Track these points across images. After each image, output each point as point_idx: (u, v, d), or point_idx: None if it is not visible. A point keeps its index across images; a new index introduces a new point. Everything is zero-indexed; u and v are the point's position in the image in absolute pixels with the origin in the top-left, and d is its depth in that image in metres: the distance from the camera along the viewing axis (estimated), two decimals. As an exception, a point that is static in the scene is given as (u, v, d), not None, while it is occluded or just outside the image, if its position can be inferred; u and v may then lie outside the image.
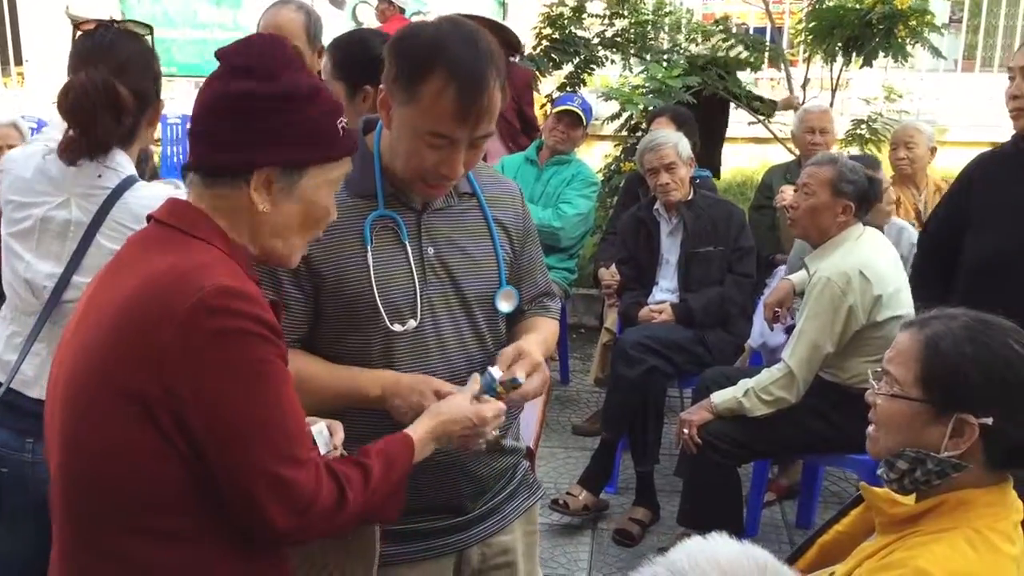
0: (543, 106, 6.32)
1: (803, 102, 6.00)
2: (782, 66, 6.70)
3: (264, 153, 1.39)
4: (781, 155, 6.10)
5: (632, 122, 6.29)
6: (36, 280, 2.06)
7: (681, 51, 6.62)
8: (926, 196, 4.62)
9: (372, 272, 1.76)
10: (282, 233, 1.45)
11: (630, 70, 6.53)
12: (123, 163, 2.09)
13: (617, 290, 4.48)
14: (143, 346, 1.30)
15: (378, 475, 1.48)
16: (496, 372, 1.74)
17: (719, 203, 4.34)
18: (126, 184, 2.07)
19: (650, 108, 5.67)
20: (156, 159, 6.13)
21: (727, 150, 7.88)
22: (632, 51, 6.42)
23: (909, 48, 5.83)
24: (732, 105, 6.18)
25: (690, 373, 3.97)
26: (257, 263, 1.51)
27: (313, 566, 1.63)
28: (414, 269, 1.79)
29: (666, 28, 6.91)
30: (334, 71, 2.55)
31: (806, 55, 6.38)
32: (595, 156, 6.77)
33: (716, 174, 6.16)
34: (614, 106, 6.30)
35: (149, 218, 1.48)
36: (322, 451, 1.51)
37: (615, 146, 6.64)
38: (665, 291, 4.27)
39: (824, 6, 5.93)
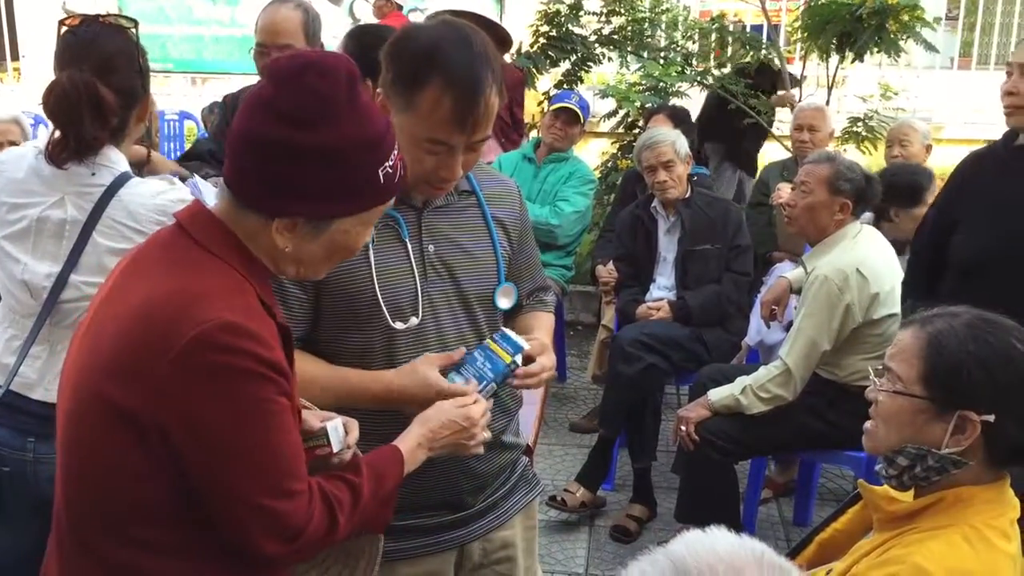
0: (540, 103, 6.32)
1: (799, 100, 6.01)
2: (779, 64, 6.70)
3: (290, 204, 1.33)
4: (778, 152, 6.11)
5: (629, 119, 6.29)
6: (34, 281, 2.05)
7: (678, 48, 6.63)
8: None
9: (374, 270, 1.77)
10: (303, 263, 1.43)
11: (627, 67, 6.53)
12: (117, 160, 2.08)
13: (614, 287, 4.49)
14: (140, 373, 1.28)
15: (368, 494, 1.48)
16: (519, 362, 1.80)
17: (716, 201, 4.35)
18: (121, 181, 2.06)
19: (647, 105, 5.68)
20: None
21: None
22: (629, 48, 6.42)
23: (902, 43, 5.84)
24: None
25: (687, 370, 3.98)
26: (287, 278, 1.52)
27: (315, 565, 1.63)
28: (415, 267, 1.80)
29: (663, 26, 6.91)
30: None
31: (802, 53, 6.38)
32: (592, 153, 6.78)
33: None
34: (611, 103, 6.32)
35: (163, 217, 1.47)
36: (335, 448, 1.52)
37: (612, 143, 6.65)
38: (662, 288, 4.28)
39: (818, 3, 5.94)
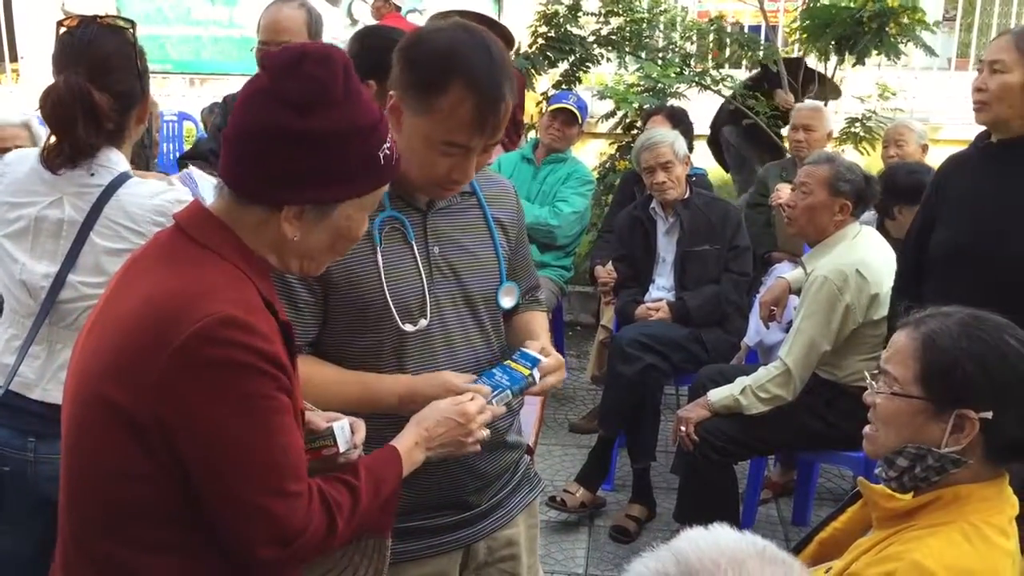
0: (538, 104, 6.33)
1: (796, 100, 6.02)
2: (777, 64, 6.71)
3: (299, 191, 1.35)
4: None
5: (627, 120, 6.30)
6: (32, 281, 2.05)
7: (676, 49, 6.64)
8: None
9: (383, 273, 1.77)
10: (307, 255, 1.43)
11: (625, 68, 6.54)
12: (116, 160, 2.08)
13: (613, 288, 4.49)
14: (139, 370, 1.28)
15: (367, 496, 1.47)
16: (538, 375, 1.81)
17: (715, 201, 4.35)
18: (119, 181, 2.06)
19: (645, 106, 5.69)
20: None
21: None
22: (627, 49, 6.43)
23: (901, 46, 5.85)
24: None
25: (686, 371, 3.99)
26: (290, 274, 1.51)
27: (326, 565, 1.64)
28: (421, 269, 1.81)
29: (661, 26, 6.92)
30: (357, 60, 2.57)
31: (800, 54, 6.39)
32: (590, 154, 6.78)
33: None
34: (609, 104, 6.32)
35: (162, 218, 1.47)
36: (342, 448, 1.52)
37: (610, 144, 6.65)
38: (661, 289, 4.28)
39: (817, 4, 5.95)
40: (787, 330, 3.71)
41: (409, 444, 1.61)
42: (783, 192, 4.43)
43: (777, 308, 3.78)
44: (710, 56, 6.85)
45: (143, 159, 2.78)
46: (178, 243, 1.39)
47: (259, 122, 1.33)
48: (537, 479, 2.14)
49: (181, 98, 9.06)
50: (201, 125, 7.32)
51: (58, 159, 2.02)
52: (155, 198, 2.06)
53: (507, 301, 1.94)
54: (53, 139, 2.03)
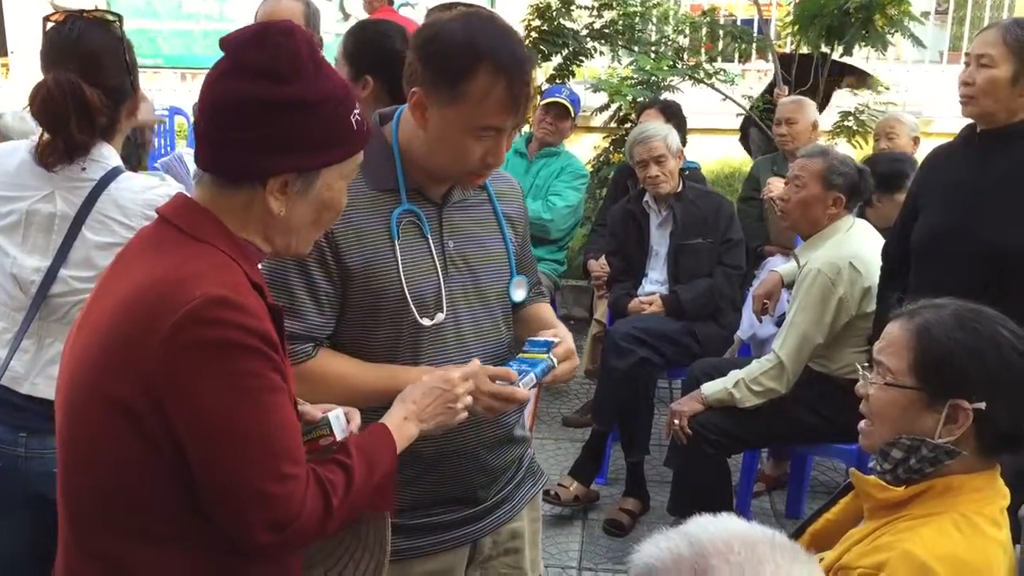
0: (532, 98, 6.32)
1: (788, 94, 6.02)
2: (770, 57, 6.72)
3: (282, 160, 1.35)
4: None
5: (621, 114, 6.30)
6: (23, 275, 2.04)
7: (669, 43, 6.64)
8: (911, 187, 4.65)
9: (401, 266, 1.78)
10: (295, 231, 1.43)
11: (619, 61, 6.54)
12: (108, 155, 2.07)
13: (606, 282, 4.49)
14: (131, 358, 1.28)
15: (361, 473, 1.45)
16: (555, 360, 1.83)
17: (708, 195, 4.35)
18: (111, 176, 2.05)
19: (639, 99, 5.69)
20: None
21: (714, 141, 7.91)
22: (620, 43, 6.43)
23: (890, 38, 5.86)
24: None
25: (680, 364, 3.99)
26: (274, 258, 1.51)
27: (330, 557, 1.63)
28: (437, 263, 1.82)
29: (654, 19, 6.92)
30: (344, 55, 2.57)
31: (793, 46, 6.40)
32: (584, 148, 6.78)
33: None
34: (603, 98, 6.32)
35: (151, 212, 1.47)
36: (338, 437, 1.52)
37: (604, 138, 6.65)
38: (654, 283, 4.28)
39: (809, -4, 5.96)
40: (779, 323, 3.72)
41: (398, 420, 1.60)
42: (774, 185, 4.43)
43: (770, 301, 3.79)
44: (703, 49, 6.85)
45: (135, 158, 2.76)
46: (163, 233, 1.39)
47: (233, 97, 1.34)
48: (540, 472, 2.15)
49: (172, 93, 9.03)
50: (192, 120, 7.29)
51: (52, 156, 2.02)
52: (147, 192, 2.05)
53: (518, 294, 1.96)
54: (46, 136, 2.02)
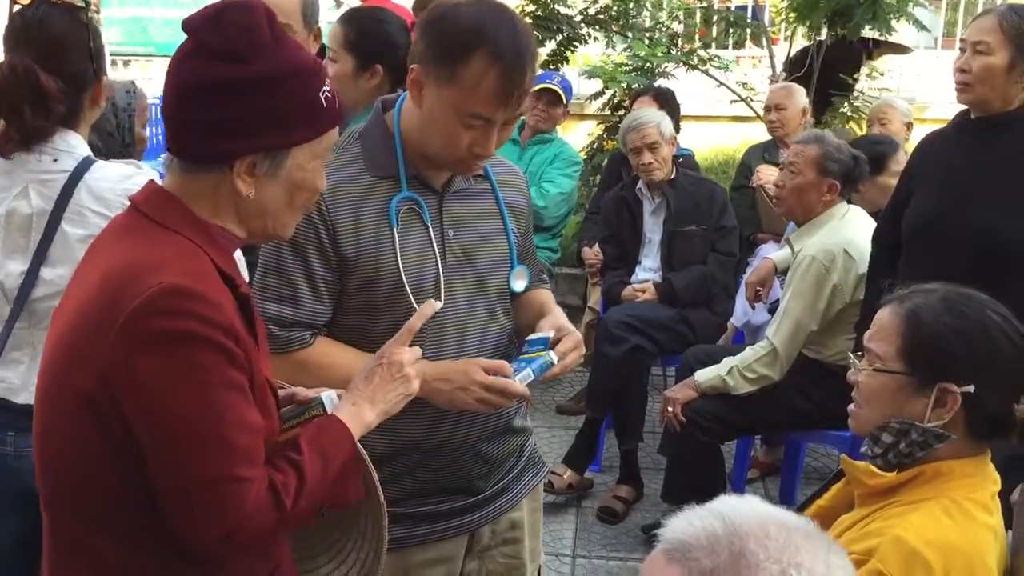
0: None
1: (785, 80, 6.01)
2: (764, 43, 6.70)
3: (246, 141, 1.32)
4: (763, 133, 6.11)
5: (615, 100, 6.28)
6: (7, 282, 1.99)
7: (663, 29, 6.61)
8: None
9: (399, 253, 1.77)
10: (269, 213, 1.40)
11: (613, 48, 6.51)
12: (76, 144, 2.03)
13: (600, 269, 4.49)
14: (92, 348, 1.26)
15: (313, 469, 1.39)
16: (553, 356, 1.80)
17: (701, 182, 4.34)
18: (84, 166, 2.00)
19: (634, 86, 5.67)
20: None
21: (708, 128, 7.90)
22: (615, 28, 6.40)
23: (893, 22, 5.85)
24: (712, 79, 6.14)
25: (673, 352, 3.99)
26: (256, 243, 1.48)
27: (332, 548, 1.63)
28: (436, 252, 1.81)
29: (648, 6, 6.89)
30: (346, 44, 2.53)
31: (788, 33, 6.38)
32: (578, 135, 6.76)
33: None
34: (597, 84, 6.29)
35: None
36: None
37: (598, 125, 6.63)
38: (648, 270, 4.28)
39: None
40: (773, 311, 3.72)
41: (348, 408, 1.51)
42: (763, 173, 4.43)
43: (763, 288, 3.78)
44: (697, 35, 6.83)
45: (125, 155, 2.73)
46: (131, 221, 1.37)
47: (194, 80, 1.32)
48: (541, 462, 2.14)
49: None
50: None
51: (9, 144, 1.97)
52: (125, 181, 2.01)
53: (519, 285, 1.95)
54: (1, 124, 1.97)
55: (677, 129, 4.44)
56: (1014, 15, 2.64)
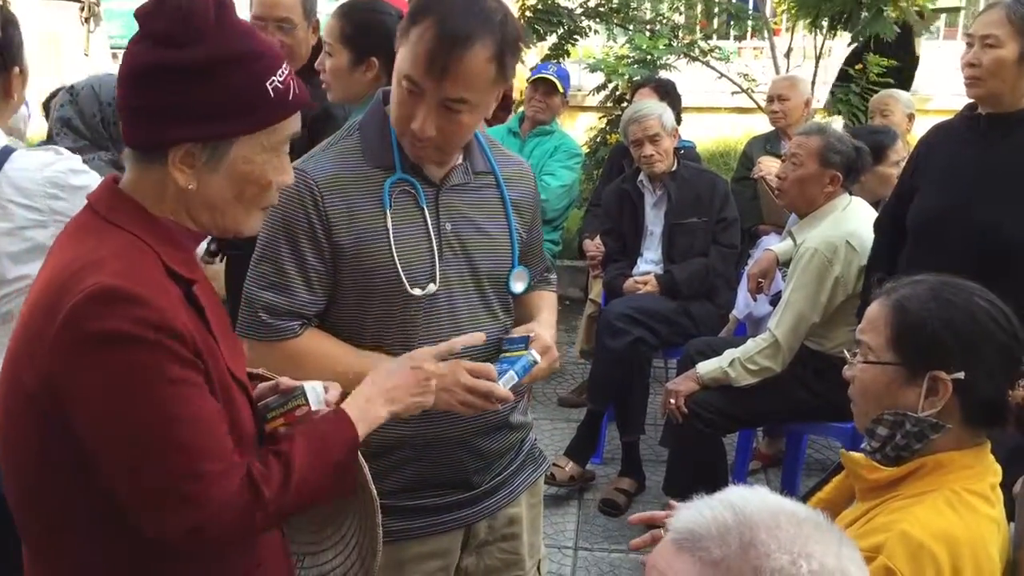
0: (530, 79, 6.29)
1: (787, 71, 6.00)
2: (765, 35, 6.68)
3: (176, 129, 1.28)
4: (765, 125, 6.10)
5: (617, 93, 6.27)
6: None
7: (664, 21, 6.59)
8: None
9: (392, 236, 1.76)
10: (217, 208, 1.35)
11: (614, 40, 6.50)
12: None
13: (602, 261, 4.48)
14: (36, 350, 1.24)
15: (304, 458, 1.35)
16: (535, 354, 1.80)
17: (703, 174, 4.33)
18: (2, 156, 1.97)
19: (636, 78, 5.65)
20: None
21: (710, 120, 7.88)
22: (615, 21, 6.38)
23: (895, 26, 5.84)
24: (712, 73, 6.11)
25: (675, 344, 3.99)
26: (219, 236, 1.44)
27: (337, 531, 1.63)
28: (433, 241, 1.79)
29: (649, -3, 6.88)
30: (342, 38, 2.52)
31: (789, 24, 6.36)
32: (580, 127, 6.75)
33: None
34: (600, 77, 6.28)
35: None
36: (313, 406, 1.48)
37: (600, 118, 6.62)
38: (649, 262, 4.27)
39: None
40: (774, 302, 3.71)
41: (360, 402, 1.49)
42: (765, 164, 4.43)
43: (765, 280, 3.78)
44: (698, 27, 6.81)
45: (113, 149, 2.71)
46: (83, 220, 1.35)
47: (132, 65, 1.30)
48: (542, 458, 2.12)
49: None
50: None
51: None
52: (46, 169, 1.98)
53: (518, 286, 1.92)
54: None
55: (678, 121, 4.43)
56: (1020, 7, 2.63)
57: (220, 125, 1.30)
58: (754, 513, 0.93)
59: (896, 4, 5.65)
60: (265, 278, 1.78)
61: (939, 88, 7.78)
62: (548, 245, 4.88)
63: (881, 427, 1.61)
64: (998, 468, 1.61)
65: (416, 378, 1.58)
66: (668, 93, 4.77)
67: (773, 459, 4.17)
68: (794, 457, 3.91)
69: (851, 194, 3.46)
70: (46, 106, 4.88)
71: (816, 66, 6.13)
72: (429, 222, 1.80)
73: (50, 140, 3.41)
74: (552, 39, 6.36)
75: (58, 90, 4.41)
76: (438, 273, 1.79)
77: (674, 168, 4.18)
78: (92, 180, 1.98)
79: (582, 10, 6.37)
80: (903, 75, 5.96)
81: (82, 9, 8.60)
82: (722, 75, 6.28)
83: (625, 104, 5.87)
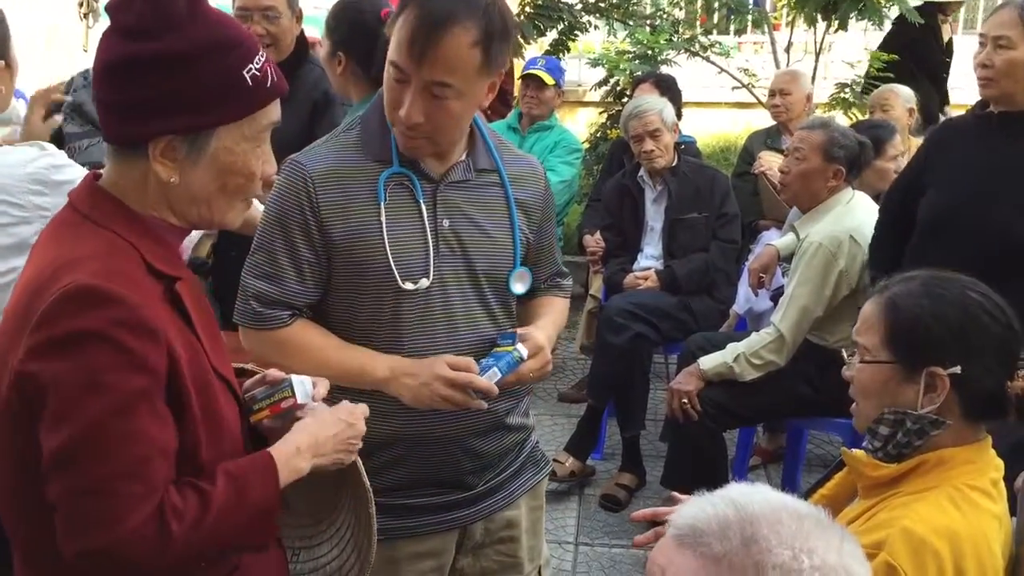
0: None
1: (788, 66, 5.99)
2: (765, 29, 6.67)
3: (158, 122, 1.26)
4: (765, 120, 6.10)
5: (618, 88, 6.25)
6: None
7: (664, 16, 6.58)
8: (907, 158, 4.64)
9: (384, 228, 1.75)
10: (201, 200, 1.34)
11: (614, 35, 6.49)
12: None
13: (602, 257, 4.48)
14: (12, 350, 1.23)
15: (223, 500, 1.29)
16: (523, 349, 1.77)
17: (703, 169, 4.33)
18: None
19: (637, 74, 5.64)
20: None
21: (710, 115, 7.87)
22: (616, 16, 6.37)
23: (886, 11, 5.82)
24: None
25: (675, 339, 3.99)
26: (197, 229, 1.43)
27: (332, 525, 1.63)
28: (428, 237, 1.78)
29: (649, -8, 6.86)
30: (326, 30, 2.54)
31: (789, 19, 6.35)
32: (581, 122, 6.74)
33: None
34: (601, 72, 6.26)
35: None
36: (300, 399, 1.48)
37: (600, 113, 6.61)
38: (650, 258, 4.27)
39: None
40: (775, 298, 3.71)
41: (290, 450, 1.41)
42: (765, 160, 4.42)
43: (766, 275, 3.78)
44: (698, 22, 6.79)
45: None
46: (64, 218, 1.34)
47: (106, 59, 1.28)
48: (544, 461, 2.10)
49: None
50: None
51: None
52: (28, 166, 1.97)
53: (519, 287, 1.89)
54: None
55: (679, 116, 4.43)
56: None
57: (200, 116, 1.28)
58: (756, 509, 0.93)
59: None
60: (258, 267, 1.79)
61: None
62: (549, 241, 4.88)
63: (883, 427, 1.60)
64: (1000, 463, 1.61)
65: (347, 435, 1.49)
66: (668, 88, 4.76)
67: (774, 455, 4.17)
68: (795, 453, 3.91)
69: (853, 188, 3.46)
70: None
71: (816, 61, 6.12)
72: (425, 217, 1.78)
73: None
74: (552, 34, 6.35)
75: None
76: (432, 269, 1.78)
77: (674, 163, 4.17)
78: (76, 175, 1.97)
79: (582, 5, 6.36)
80: (934, 67, 5.94)
81: (81, 4, 8.57)
82: (722, 70, 6.27)
83: (626, 99, 5.86)
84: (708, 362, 3.33)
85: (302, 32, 3.15)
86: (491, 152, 1.87)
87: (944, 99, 6.20)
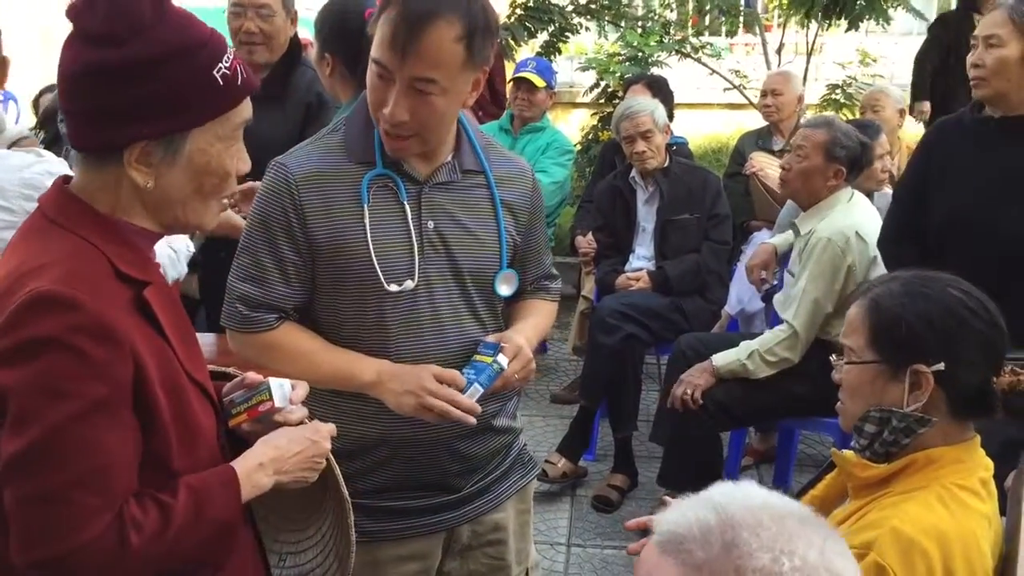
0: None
1: (779, 67, 6.00)
2: (757, 31, 6.69)
3: (131, 128, 1.25)
4: (757, 121, 6.11)
5: (609, 90, 6.27)
6: None
7: (655, 17, 6.59)
8: (898, 160, 4.65)
9: (368, 230, 1.74)
10: (177, 203, 1.33)
11: (605, 37, 6.50)
12: None
13: (594, 258, 4.48)
14: None
15: (185, 515, 1.27)
16: (503, 359, 1.76)
17: (695, 170, 4.33)
18: None
19: (627, 76, 5.65)
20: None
21: (701, 116, 7.88)
22: (607, 18, 6.38)
23: (891, 11, 5.85)
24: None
25: (667, 340, 3.98)
26: (171, 233, 1.42)
27: (318, 531, 1.62)
28: (414, 239, 1.77)
29: (640, -6, 6.87)
30: (315, 32, 2.54)
31: (781, 20, 6.37)
32: (573, 124, 6.75)
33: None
34: (593, 76, 6.27)
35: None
36: (278, 403, 1.46)
37: (592, 115, 6.62)
38: (642, 259, 4.27)
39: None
40: (767, 298, 3.72)
41: (252, 465, 1.39)
42: (756, 161, 4.43)
43: (767, 272, 3.79)
44: (690, 24, 6.81)
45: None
46: (33, 223, 1.33)
47: (72, 67, 1.26)
48: (532, 464, 2.09)
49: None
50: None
51: None
52: (23, 171, 1.98)
53: (505, 289, 1.88)
54: None
55: (670, 117, 4.43)
56: (1022, 7, 2.64)
57: (174, 120, 1.27)
58: (736, 512, 0.93)
59: None
60: (244, 270, 1.79)
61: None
62: (541, 242, 4.88)
63: (868, 424, 1.61)
64: (989, 463, 1.62)
65: (311, 454, 1.47)
66: (660, 90, 4.77)
67: (765, 455, 4.17)
68: (786, 452, 3.92)
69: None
70: (36, 102, 4.85)
71: (807, 62, 6.14)
72: (410, 218, 1.77)
73: (41, 129, 3.37)
74: (544, 36, 6.35)
75: (50, 86, 4.37)
76: (417, 270, 1.77)
77: (666, 164, 4.17)
78: None
79: (573, 7, 6.36)
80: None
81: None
82: (714, 71, 6.29)
83: (617, 101, 5.87)
84: (721, 359, 3.32)
85: (296, 35, 3.14)
86: (477, 153, 1.86)
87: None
